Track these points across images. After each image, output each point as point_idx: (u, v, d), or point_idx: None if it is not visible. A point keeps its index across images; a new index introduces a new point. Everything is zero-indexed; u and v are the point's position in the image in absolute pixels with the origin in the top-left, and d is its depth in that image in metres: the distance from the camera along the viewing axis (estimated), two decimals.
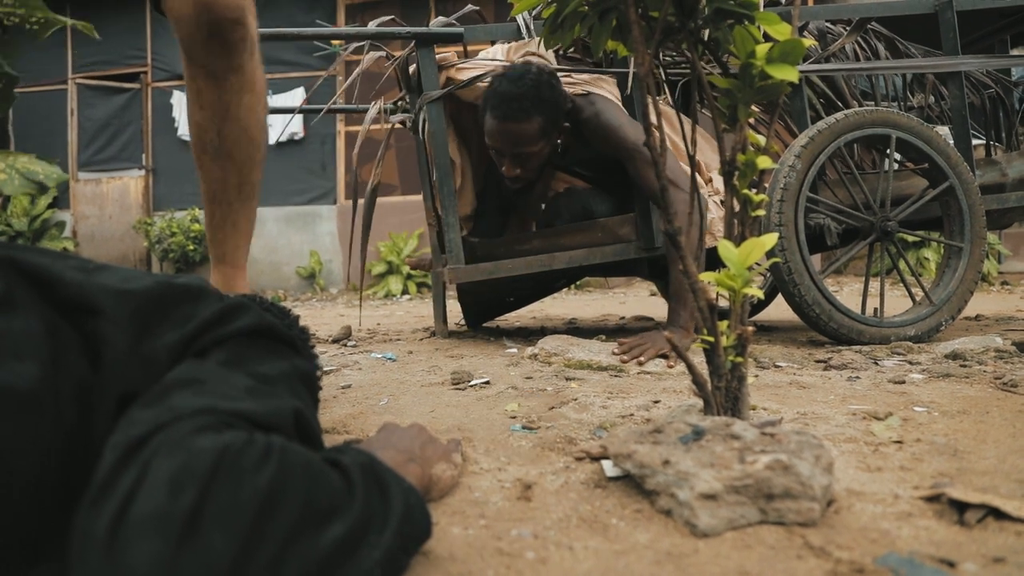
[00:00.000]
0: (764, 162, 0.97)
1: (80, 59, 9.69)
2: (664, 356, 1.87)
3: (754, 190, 0.99)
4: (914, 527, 0.71)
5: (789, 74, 0.94)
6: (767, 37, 1.03)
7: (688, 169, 2.06)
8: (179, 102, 9.52)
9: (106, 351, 0.63)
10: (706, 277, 0.98)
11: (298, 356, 0.80)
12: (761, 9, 1.00)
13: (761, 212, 0.99)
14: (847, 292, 6.28)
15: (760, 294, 0.93)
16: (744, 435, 0.79)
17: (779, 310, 2.93)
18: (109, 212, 9.75)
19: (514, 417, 1.28)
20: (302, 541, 0.49)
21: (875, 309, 2.25)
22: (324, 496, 0.52)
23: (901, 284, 2.43)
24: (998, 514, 0.71)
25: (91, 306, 0.64)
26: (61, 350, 0.61)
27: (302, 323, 1.16)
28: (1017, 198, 2.49)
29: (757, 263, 0.94)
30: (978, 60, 2.52)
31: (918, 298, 2.31)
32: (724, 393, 0.95)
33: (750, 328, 0.94)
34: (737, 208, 0.99)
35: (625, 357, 1.85)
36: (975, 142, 2.66)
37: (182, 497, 0.45)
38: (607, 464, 0.90)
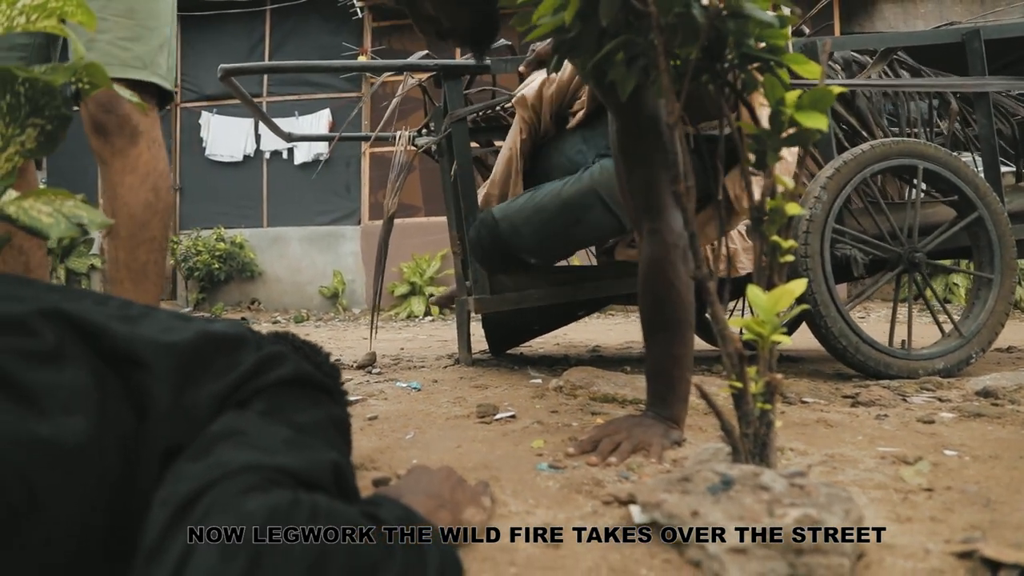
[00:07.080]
0: (793, 208, 0.98)
1: None
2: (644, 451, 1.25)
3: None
4: None
5: (819, 122, 0.95)
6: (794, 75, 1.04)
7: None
8: (207, 122, 9.70)
9: (151, 404, 0.65)
10: (736, 323, 0.99)
11: (333, 403, 0.82)
12: (789, 44, 1.01)
13: (790, 258, 0.99)
14: (874, 319, 6.21)
15: (789, 341, 0.93)
16: (773, 486, 0.79)
17: (805, 338, 2.91)
18: None
19: (540, 455, 1.28)
20: None
21: (903, 341, 2.23)
22: (366, 558, 0.53)
23: (929, 313, 2.40)
24: None
25: (137, 359, 0.66)
26: (108, 402, 0.63)
27: (332, 359, 1.19)
28: None
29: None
30: (1006, 81, 2.50)
31: (947, 330, 2.29)
32: (752, 439, 0.95)
33: (779, 375, 0.94)
34: (766, 254, 1.00)
35: (592, 459, 1.21)
36: (1003, 169, 2.63)
37: (234, 564, 0.46)
38: (635, 510, 0.90)
